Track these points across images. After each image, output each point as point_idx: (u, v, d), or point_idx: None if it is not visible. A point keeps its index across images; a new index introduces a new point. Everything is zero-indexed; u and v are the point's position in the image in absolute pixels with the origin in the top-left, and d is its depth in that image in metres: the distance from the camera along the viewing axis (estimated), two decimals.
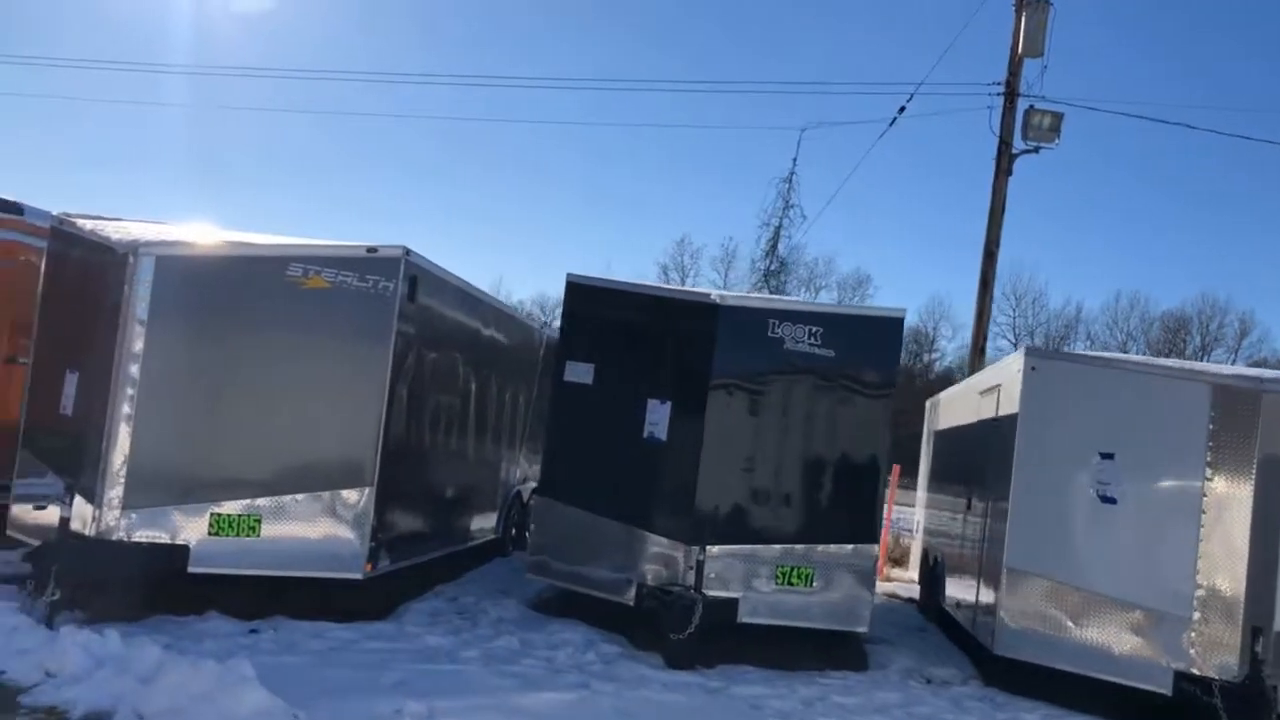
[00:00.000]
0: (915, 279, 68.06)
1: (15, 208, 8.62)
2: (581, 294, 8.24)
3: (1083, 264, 67.43)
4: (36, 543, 6.98)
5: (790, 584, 7.43)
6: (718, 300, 7.48)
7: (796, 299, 7.54)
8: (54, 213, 7.55)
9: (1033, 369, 7.35)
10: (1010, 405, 7.60)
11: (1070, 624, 6.98)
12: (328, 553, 6.93)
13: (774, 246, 19.91)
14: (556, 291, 49.41)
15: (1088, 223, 68.44)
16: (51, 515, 6.72)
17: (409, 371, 7.48)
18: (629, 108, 63.83)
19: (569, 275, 8.28)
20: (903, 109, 16.30)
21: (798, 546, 7.47)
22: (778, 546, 7.42)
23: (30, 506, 7.19)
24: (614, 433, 7.77)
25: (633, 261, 79.88)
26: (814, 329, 7.47)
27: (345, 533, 6.97)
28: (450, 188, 74.74)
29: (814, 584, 7.49)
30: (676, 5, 73.42)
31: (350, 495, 7.00)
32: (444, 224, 71.49)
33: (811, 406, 7.56)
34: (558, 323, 9.01)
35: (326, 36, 66.43)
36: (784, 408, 7.52)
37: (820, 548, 7.50)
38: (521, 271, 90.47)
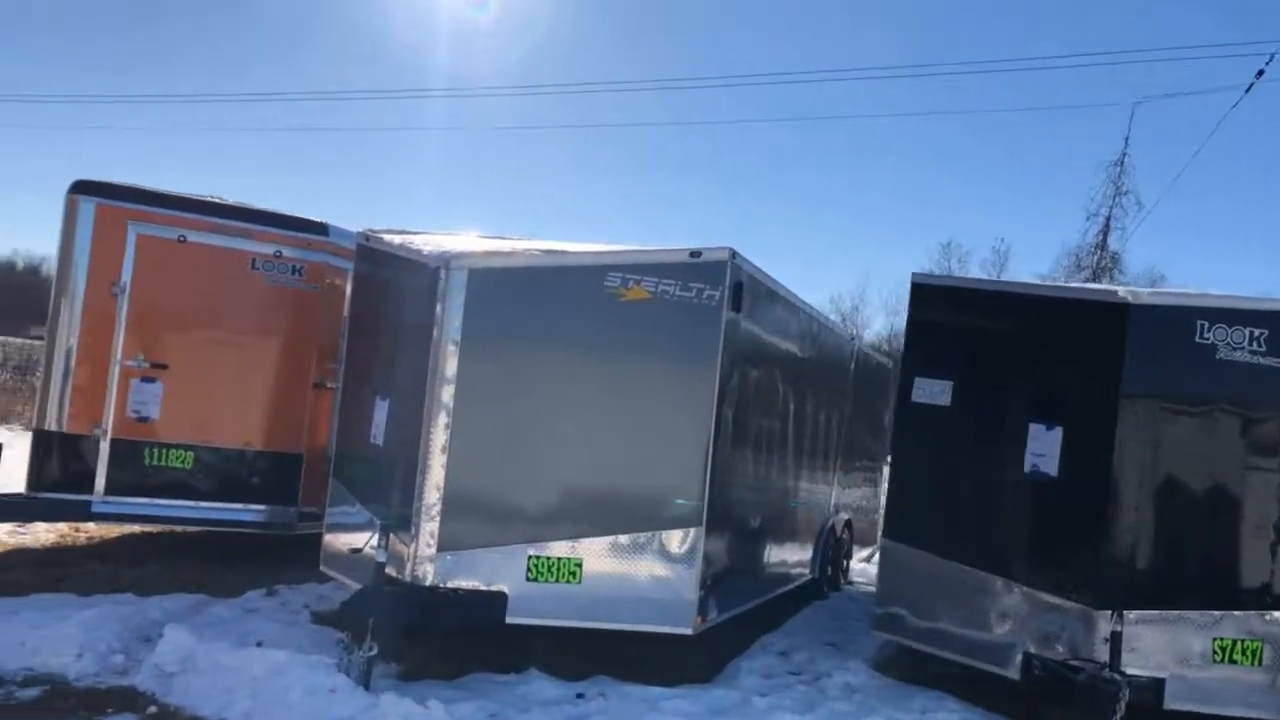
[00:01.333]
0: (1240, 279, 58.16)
1: (320, 228, 8.40)
2: (932, 296, 6.93)
3: None
4: (347, 580, 6.54)
5: (1231, 661, 5.77)
6: (1128, 298, 5.94)
7: (1230, 294, 5.88)
8: (360, 230, 7.13)
9: None
10: None
11: None
12: (654, 603, 6.02)
13: (1104, 240, 17.59)
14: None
15: None
16: (363, 549, 6.21)
17: (733, 392, 6.47)
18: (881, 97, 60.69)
19: (914, 275, 7.00)
20: (1261, 73, 13.82)
21: (1242, 613, 5.79)
22: (1215, 612, 5.78)
23: (342, 536, 6.77)
24: (981, 464, 6.41)
25: (893, 270, 76.55)
26: (1259, 332, 5.78)
27: (672, 580, 6.03)
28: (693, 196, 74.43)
29: (1263, 662, 5.79)
30: None
31: (677, 536, 6.06)
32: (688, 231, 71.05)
33: (1259, 432, 5.87)
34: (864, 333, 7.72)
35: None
36: (1219, 433, 5.88)
37: (1273, 615, 5.79)
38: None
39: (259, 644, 5.86)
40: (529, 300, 5.99)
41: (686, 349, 6.13)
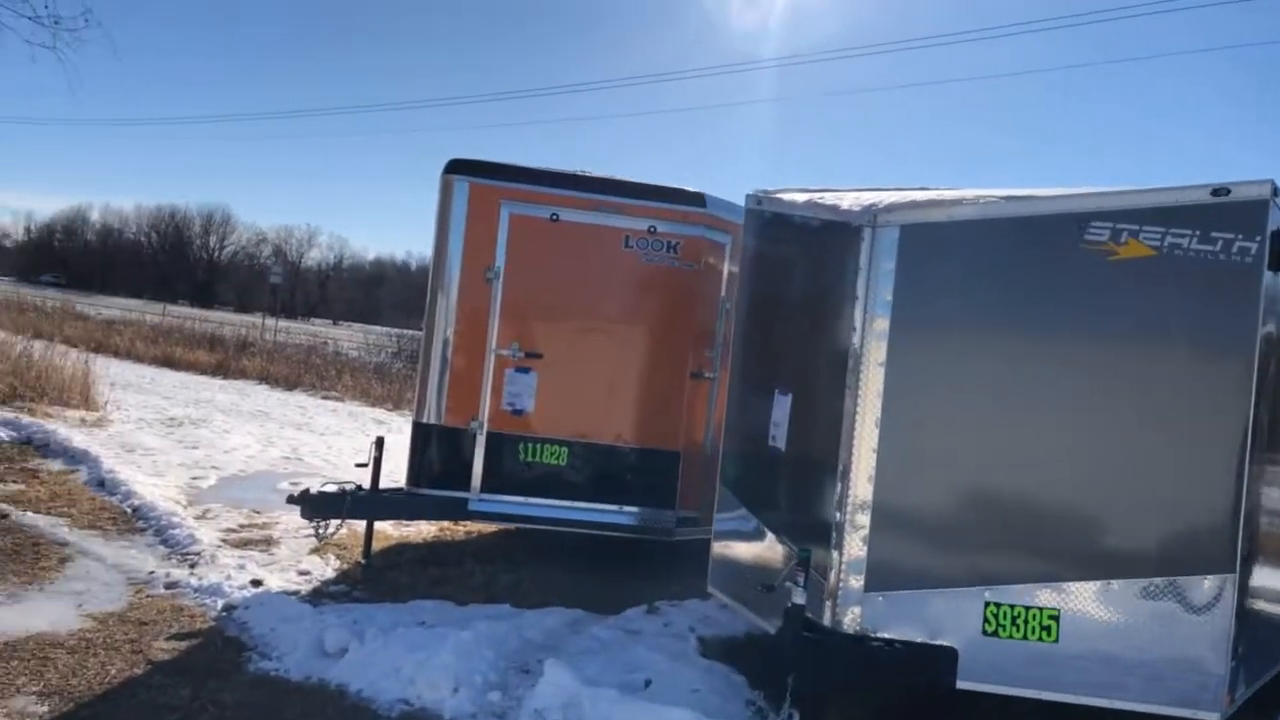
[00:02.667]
0: None
1: (697, 199, 7.45)
2: None
3: None
4: (740, 608, 5.48)
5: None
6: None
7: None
8: (750, 193, 6.03)
9: None
10: None
11: None
12: (1162, 675, 4.37)
13: None
14: None
15: None
16: (776, 586, 5.11)
17: (1271, 385, 4.63)
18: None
19: None
20: None
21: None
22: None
23: (735, 553, 5.72)
24: None
25: None
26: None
27: (1192, 644, 4.35)
28: None
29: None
30: None
31: (1198, 586, 4.36)
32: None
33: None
34: None
35: None
36: None
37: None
38: None
39: (647, 683, 4.94)
40: (981, 263, 4.56)
41: (1209, 327, 4.41)
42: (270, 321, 36.82)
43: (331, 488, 7.03)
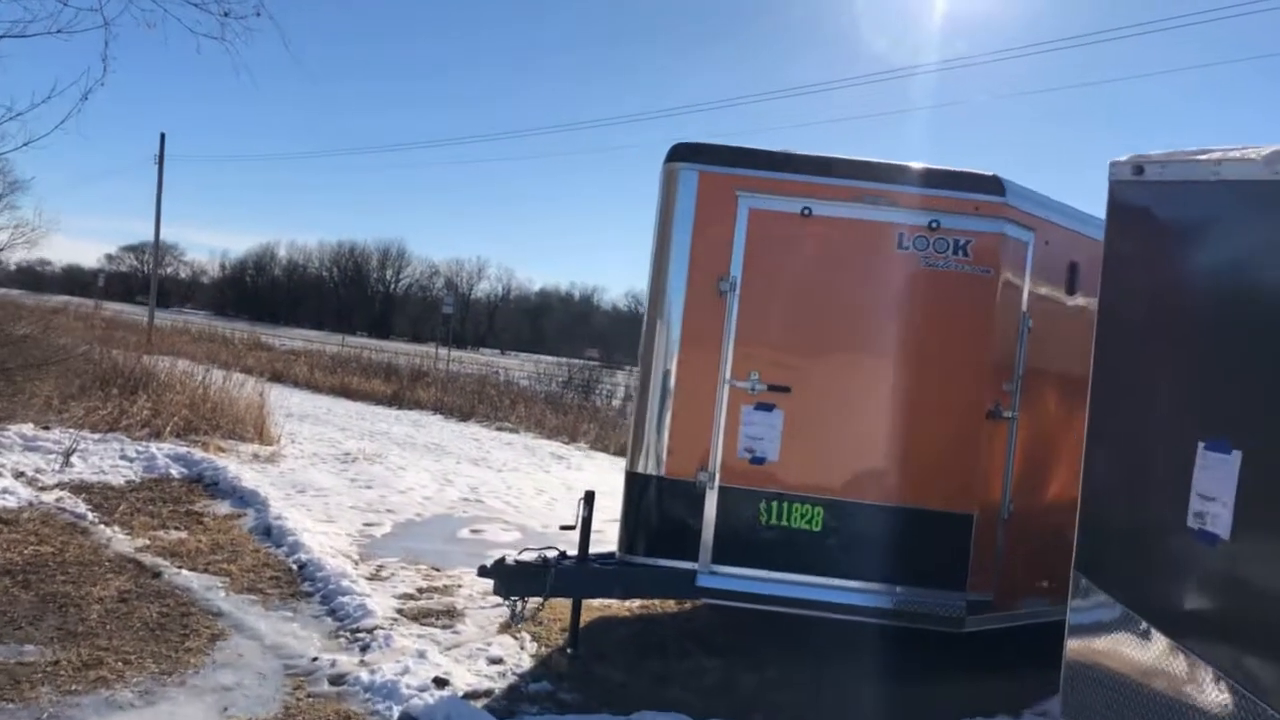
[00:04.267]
0: None
1: (993, 185, 5.72)
2: None
3: None
4: None
5: None
6: None
7: None
8: (1119, 159, 4.24)
9: None
10: None
11: None
12: None
13: None
14: None
15: None
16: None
17: None
18: None
19: None
20: None
21: None
22: None
23: (1104, 660, 3.94)
24: None
25: None
26: None
27: None
28: None
29: None
30: None
31: None
32: None
33: None
34: None
35: None
36: None
37: None
38: None
39: None
40: None
41: None
42: (443, 351, 36.76)
43: (530, 555, 5.61)
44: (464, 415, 21.38)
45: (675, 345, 5.77)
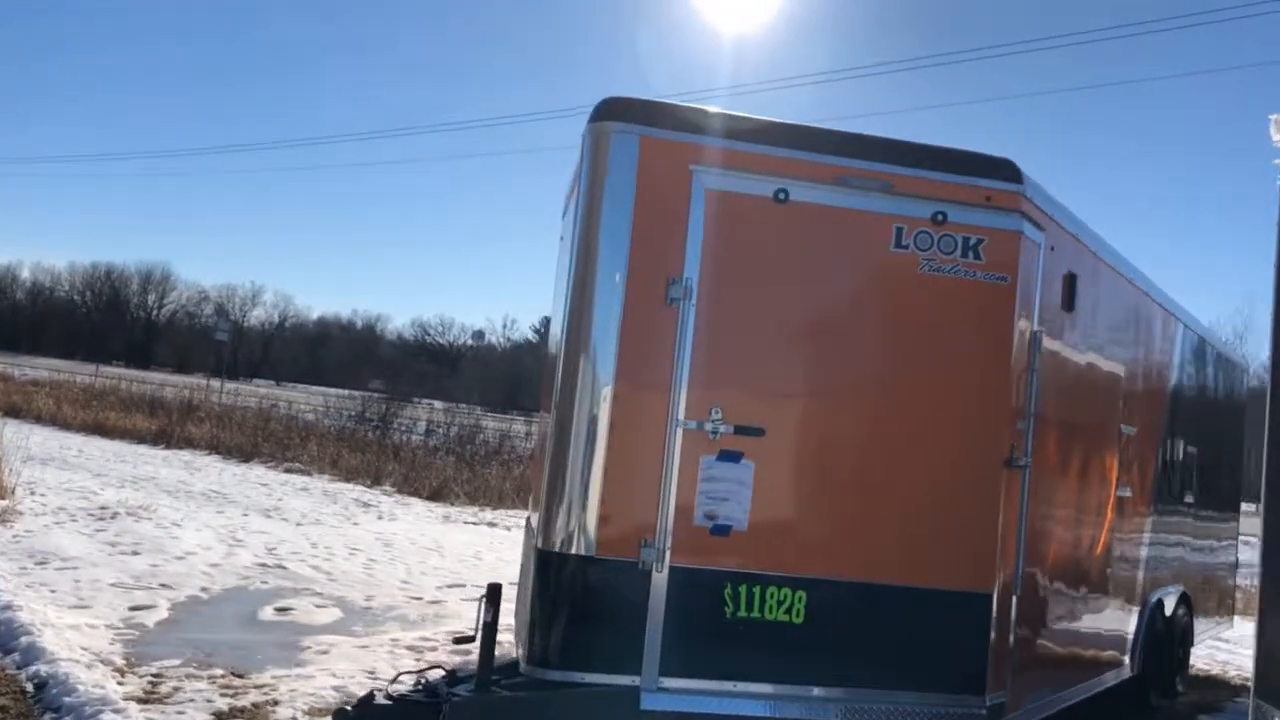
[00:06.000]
0: None
1: (1007, 170, 4.51)
2: None
3: None
4: None
5: None
6: None
7: None
8: None
9: None
10: None
11: None
12: None
13: None
14: None
15: None
16: None
17: None
18: None
19: None
20: None
21: None
22: None
23: None
24: None
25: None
26: None
27: None
28: None
29: None
30: None
31: None
32: None
33: None
34: None
35: None
36: None
37: None
38: None
39: None
40: None
41: None
42: (215, 383, 33.09)
43: (405, 685, 3.80)
44: (246, 455, 18.76)
45: (607, 377, 4.16)
